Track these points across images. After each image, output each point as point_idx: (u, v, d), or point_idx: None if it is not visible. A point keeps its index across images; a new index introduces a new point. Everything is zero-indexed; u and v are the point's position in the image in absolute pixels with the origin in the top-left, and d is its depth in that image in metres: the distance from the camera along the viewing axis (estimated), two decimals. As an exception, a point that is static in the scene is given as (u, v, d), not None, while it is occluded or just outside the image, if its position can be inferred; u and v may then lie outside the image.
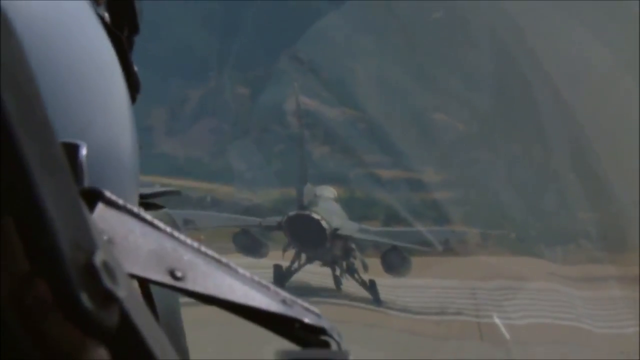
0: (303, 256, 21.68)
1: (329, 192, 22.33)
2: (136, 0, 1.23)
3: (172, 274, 0.82)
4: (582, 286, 18.80)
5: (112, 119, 1.05)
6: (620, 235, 19.18)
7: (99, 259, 0.66)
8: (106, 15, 1.16)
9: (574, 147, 20.14)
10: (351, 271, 21.44)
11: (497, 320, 17.98)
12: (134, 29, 1.24)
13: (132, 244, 0.80)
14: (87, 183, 0.82)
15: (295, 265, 21.77)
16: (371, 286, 20.99)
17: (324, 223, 20.81)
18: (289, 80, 22.87)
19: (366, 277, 21.05)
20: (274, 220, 21.63)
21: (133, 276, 0.78)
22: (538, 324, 17.49)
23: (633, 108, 17.44)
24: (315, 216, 20.85)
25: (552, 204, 21.48)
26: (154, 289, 1.17)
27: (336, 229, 21.02)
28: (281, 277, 21.20)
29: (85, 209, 0.70)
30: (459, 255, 21.55)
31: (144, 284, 0.95)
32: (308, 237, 20.70)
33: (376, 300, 20.66)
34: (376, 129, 23.00)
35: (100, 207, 0.80)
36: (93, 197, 0.79)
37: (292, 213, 21.22)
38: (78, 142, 0.78)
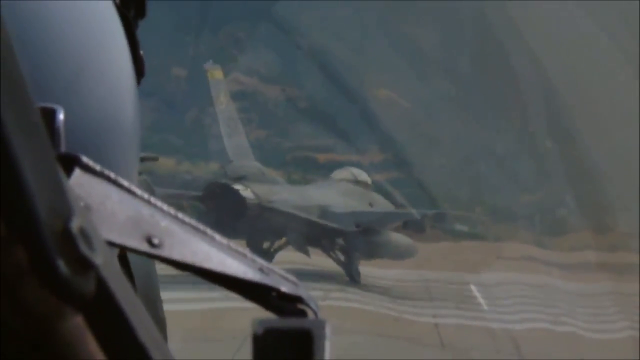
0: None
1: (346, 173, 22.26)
2: None
3: (149, 241, 0.81)
4: (566, 275, 18.64)
5: (114, 89, 1.05)
6: (597, 215, 19.13)
7: (75, 224, 0.66)
8: None
9: (523, 124, 20.17)
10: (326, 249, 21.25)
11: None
12: (141, 12, 1.25)
13: (109, 210, 0.79)
14: (75, 147, 0.82)
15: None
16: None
17: (246, 193, 20.57)
18: (228, 59, 22.73)
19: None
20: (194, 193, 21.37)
21: (110, 243, 0.77)
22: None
23: (614, 80, 17.52)
24: (237, 187, 20.61)
25: (501, 182, 21.42)
26: (131, 256, 1.17)
27: (269, 202, 20.74)
28: None
29: (62, 174, 0.69)
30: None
31: (122, 250, 0.94)
32: (226, 207, 20.40)
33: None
34: (317, 108, 22.86)
35: (77, 172, 0.79)
36: (70, 162, 0.78)
37: (211, 183, 21.18)
38: (55, 106, 0.77)
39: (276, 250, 21.27)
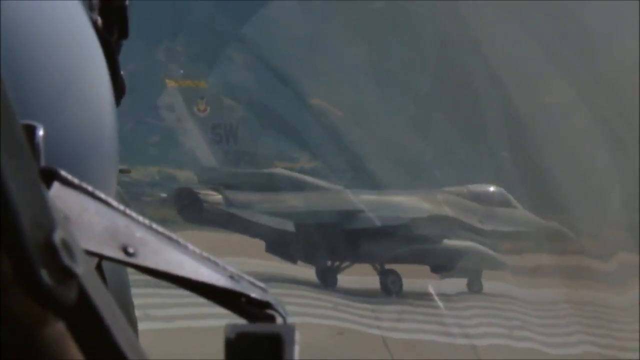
0: None
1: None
2: (127, 9, 1.28)
3: (125, 250, 0.85)
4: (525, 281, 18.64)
5: (94, 108, 1.09)
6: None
7: (58, 237, 0.69)
8: (99, 20, 1.20)
9: (481, 134, 20.29)
10: None
11: None
12: (124, 34, 1.29)
13: (87, 222, 0.83)
14: (56, 162, 0.85)
15: None
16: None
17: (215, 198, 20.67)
18: (164, 74, 22.70)
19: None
20: None
21: (88, 252, 0.81)
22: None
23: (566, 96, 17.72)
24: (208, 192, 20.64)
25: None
26: (104, 264, 1.20)
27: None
28: None
29: (44, 188, 0.72)
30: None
31: (99, 259, 0.98)
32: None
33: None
34: (255, 117, 22.85)
35: (56, 185, 0.82)
36: (49, 176, 0.82)
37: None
38: (35, 123, 0.81)
39: None
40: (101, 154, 1.10)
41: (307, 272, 19.59)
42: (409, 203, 20.27)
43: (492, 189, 20.26)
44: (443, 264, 19.71)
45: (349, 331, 16.37)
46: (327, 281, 19.74)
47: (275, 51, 22.30)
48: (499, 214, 19.90)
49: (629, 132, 17.11)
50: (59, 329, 0.71)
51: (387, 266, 19.97)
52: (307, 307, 17.13)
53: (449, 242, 20.08)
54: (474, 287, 19.28)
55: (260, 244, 20.19)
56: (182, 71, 22.54)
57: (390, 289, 19.46)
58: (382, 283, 19.73)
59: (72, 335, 0.73)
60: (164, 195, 21.58)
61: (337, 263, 20.36)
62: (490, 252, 19.65)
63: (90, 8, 1.18)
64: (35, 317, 0.69)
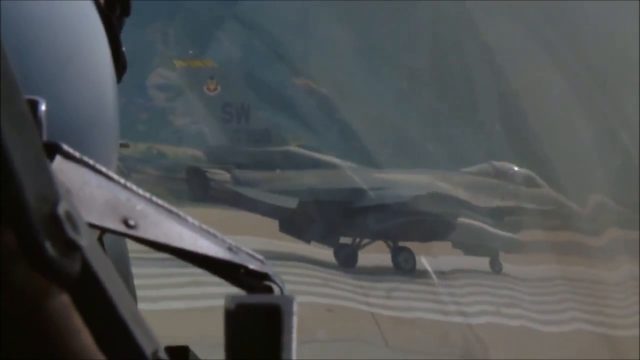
0: None
1: None
2: None
3: (126, 223, 0.86)
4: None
5: (96, 83, 1.10)
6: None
7: (62, 209, 0.70)
8: None
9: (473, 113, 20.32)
10: None
11: None
12: (126, 11, 1.30)
13: (88, 195, 0.84)
14: (59, 135, 0.86)
15: None
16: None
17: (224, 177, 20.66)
18: (153, 55, 22.69)
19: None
20: None
21: (90, 225, 0.82)
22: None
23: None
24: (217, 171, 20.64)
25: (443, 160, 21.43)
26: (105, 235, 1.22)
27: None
28: None
29: (48, 162, 0.73)
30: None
31: (100, 232, 0.99)
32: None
33: None
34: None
35: (58, 159, 0.83)
36: (52, 150, 0.83)
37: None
38: (37, 97, 0.82)
39: None
40: (102, 128, 1.11)
41: (323, 251, 19.43)
42: (421, 180, 20.17)
43: (516, 168, 20.13)
44: (450, 239, 19.59)
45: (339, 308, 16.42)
46: (346, 260, 19.56)
47: (268, 30, 22.27)
48: (524, 193, 19.79)
49: (616, 110, 17.18)
50: (63, 300, 0.73)
51: (401, 244, 19.85)
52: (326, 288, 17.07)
53: (458, 220, 19.95)
54: (495, 268, 19.19)
55: (272, 223, 20.07)
56: (191, 52, 22.46)
57: (403, 267, 19.36)
58: (394, 261, 19.65)
59: (76, 307, 0.74)
60: (153, 172, 21.59)
61: (357, 240, 20.24)
62: (504, 233, 19.55)
63: None
64: (39, 289, 0.71)
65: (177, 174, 21.45)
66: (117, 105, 1.17)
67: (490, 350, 14.78)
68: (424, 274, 18.32)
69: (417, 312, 16.32)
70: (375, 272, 18.98)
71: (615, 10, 16.78)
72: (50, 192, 0.71)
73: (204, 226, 0.95)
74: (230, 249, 0.96)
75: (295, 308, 0.92)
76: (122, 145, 1.23)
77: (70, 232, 0.70)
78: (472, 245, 19.20)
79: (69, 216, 0.71)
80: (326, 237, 19.87)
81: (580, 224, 17.93)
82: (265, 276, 0.99)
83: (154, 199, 0.90)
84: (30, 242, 0.68)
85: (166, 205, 0.91)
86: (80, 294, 0.74)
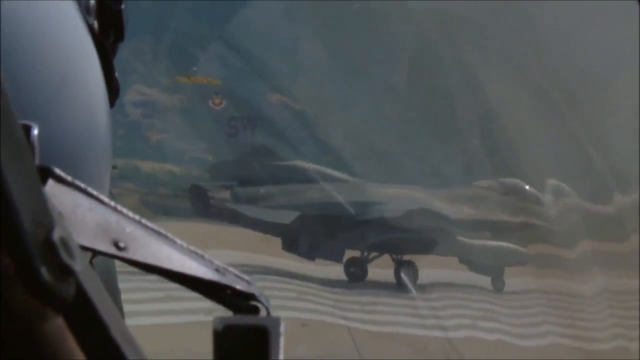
0: None
1: None
2: (123, 13, 1.31)
3: (116, 245, 0.88)
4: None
5: (89, 108, 1.11)
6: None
7: (57, 235, 0.72)
8: (95, 24, 1.22)
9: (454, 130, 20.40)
10: None
11: None
12: (120, 37, 1.32)
13: (80, 218, 0.85)
14: (52, 159, 0.87)
15: None
16: None
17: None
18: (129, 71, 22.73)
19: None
20: None
21: (81, 247, 0.83)
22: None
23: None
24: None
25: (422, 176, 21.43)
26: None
27: None
28: None
29: (42, 188, 0.75)
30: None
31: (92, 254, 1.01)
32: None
33: None
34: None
35: (50, 183, 0.85)
36: (44, 174, 0.84)
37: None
38: (30, 123, 0.83)
39: None
40: (96, 150, 1.13)
41: (332, 268, 19.20)
42: (421, 196, 20.05)
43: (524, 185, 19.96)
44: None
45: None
46: (356, 275, 19.32)
47: (253, 49, 22.31)
48: (529, 209, 19.64)
49: (584, 126, 17.33)
50: (58, 323, 0.74)
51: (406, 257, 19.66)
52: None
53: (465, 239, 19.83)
54: (498, 285, 19.02)
55: (271, 239, 19.88)
56: (195, 68, 22.46)
57: (404, 281, 19.18)
58: (396, 275, 19.48)
59: (71, 329, 0.75)
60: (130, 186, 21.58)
61: (365, 254, 20.07)
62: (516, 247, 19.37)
63: (87, 11, 1.20)
64: (35, 312, 0.72)
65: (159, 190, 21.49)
66: (110, 128, 1.18)
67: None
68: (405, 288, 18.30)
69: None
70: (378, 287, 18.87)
71: (582, 26, 16.98)
72: (45, 218, 0.72)
73: (192, 247, 0.97)
74: (217, 270, 0.98)
75: (282, 329, 0.93)
76: (112, 168, 1.24)
77: (64, 257, 0.72)
78: (478, 262, 19.06)
79: (64, 241, 0.72)
80: (332, 253, 19.76)
81: (554, 237, 18.00)
82: (251, 296, 1.00)
83: (143, 221, 0.92)
84: (26, 267, 0.70)
85: (155, 227, 0.93)
86: (74, 317, 0.75)
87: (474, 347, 15.26)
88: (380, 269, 19.47)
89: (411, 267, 19.22)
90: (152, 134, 22.81)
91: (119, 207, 0.90)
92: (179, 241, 0.95)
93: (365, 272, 19.58)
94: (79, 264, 0.73)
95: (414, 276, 19.00)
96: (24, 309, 0.71)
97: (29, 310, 0.72)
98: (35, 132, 0.83)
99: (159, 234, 0.93)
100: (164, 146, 22.93)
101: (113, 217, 0.89)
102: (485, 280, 18.81)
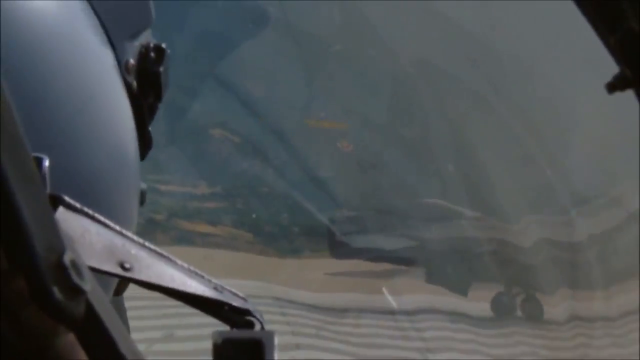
0: None
1: None
2: (162, 75, 1.35)
3: (122, 266, 0.95)
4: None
5: (112, 136, 1.17)
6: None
7: (68, 258, 0.78)
8: (134, 83, 1.28)
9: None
10: None
11: None
12: (158, 98, 1.36)
13: (88, 241, 0.92)
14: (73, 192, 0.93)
15: None
16: None
17: None
18: None
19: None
20: None
21: (90, 268, 0.89)
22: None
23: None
24: None
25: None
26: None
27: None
28: None
29: (54, 215, 0.81)
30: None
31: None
32: None
33: None
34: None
35: (61, 209, 0.91)
36: (55, 201, 0.91)
37: None
38: (41, 155, 0.89)
39: None
40: (120, 185, 1.19)
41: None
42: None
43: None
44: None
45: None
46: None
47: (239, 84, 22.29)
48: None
49: (544, 153, 17.47)
50: (69, 339, 0.80)
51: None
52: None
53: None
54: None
55: None
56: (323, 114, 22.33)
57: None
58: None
59: (81, 345, 0.82)
60: None
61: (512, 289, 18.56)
62: None
63: (126, 70, 1.26)
64: (48, 329, 0.78)
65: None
66: (138, 168, 1.24)
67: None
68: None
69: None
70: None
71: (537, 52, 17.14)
72: (57, 242, 0.78)
73: (192, 268, 1.03)
74: (215, 288, 1.05)
75: (275, 342, 1.00)
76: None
77: (75, 278, 0.78)
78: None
79: (74, 264, 0.78)
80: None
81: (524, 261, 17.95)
82: (247, 312, 1.08)
83: (147, 243, 0.98)
84: (39, 288, 0.76)
85: (158, 249, 1.00)
86: (84, 333, 0.81)
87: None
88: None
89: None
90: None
91: (124, 231, 0.97)
92: (179, 262, 1.02)
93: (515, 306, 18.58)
94: (89, 284, 0.79)
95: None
96: (38, 325, 0.77)
97: (43, 327, 0.77)
98: (47, 163, 0.90)
99: (161, 255, 1.00)
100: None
101: (119, 241, 0.95)
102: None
